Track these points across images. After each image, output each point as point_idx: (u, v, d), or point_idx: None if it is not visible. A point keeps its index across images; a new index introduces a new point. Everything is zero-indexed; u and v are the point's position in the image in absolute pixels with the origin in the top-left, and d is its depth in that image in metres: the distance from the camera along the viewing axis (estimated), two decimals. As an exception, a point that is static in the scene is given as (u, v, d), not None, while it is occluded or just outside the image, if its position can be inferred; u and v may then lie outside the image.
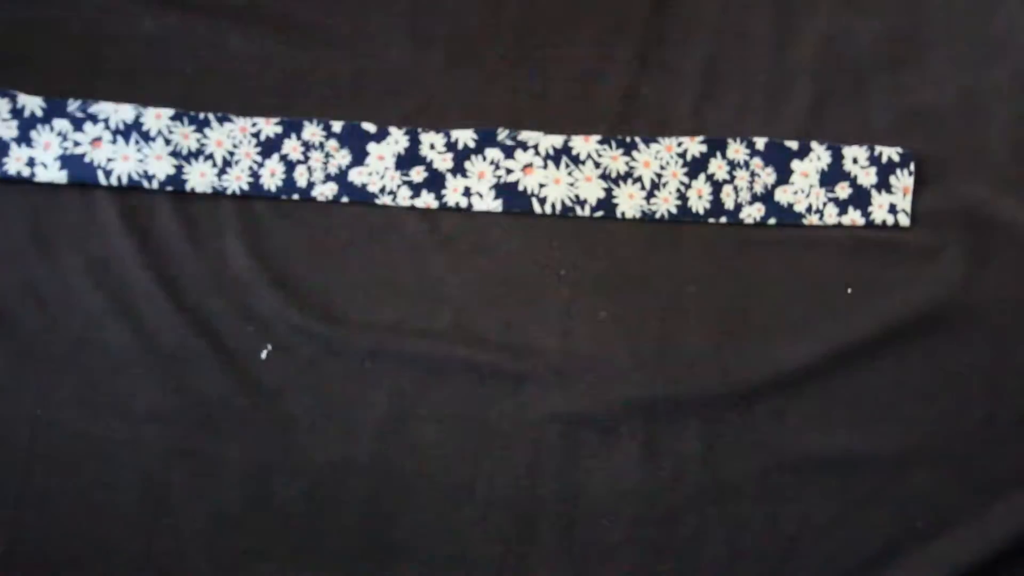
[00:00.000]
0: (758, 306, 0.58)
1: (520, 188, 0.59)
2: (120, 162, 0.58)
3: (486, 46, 0.61)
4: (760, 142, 0.60)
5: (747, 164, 0.59)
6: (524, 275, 0.58)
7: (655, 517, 0.55)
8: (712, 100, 0.60)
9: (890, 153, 0.60)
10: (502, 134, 0.59)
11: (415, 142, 0.59)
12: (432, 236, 0.58)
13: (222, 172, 0.59)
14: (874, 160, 0.60)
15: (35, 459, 0.55)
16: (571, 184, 0.59)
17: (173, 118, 0.59)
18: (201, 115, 0.59)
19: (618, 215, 0.59)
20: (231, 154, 0.59)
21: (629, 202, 0.59)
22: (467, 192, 0.59)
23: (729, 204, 0.59)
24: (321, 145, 0.59)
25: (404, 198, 0.59)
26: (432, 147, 0.59)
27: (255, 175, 0.59)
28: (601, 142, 0.59)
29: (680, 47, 0.61)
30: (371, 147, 0.59)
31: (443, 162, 0.59)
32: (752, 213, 0.59)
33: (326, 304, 0.57)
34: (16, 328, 0.57)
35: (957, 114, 0.61)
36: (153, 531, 0.55)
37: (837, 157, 0.60)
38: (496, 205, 0.59)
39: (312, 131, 0.59)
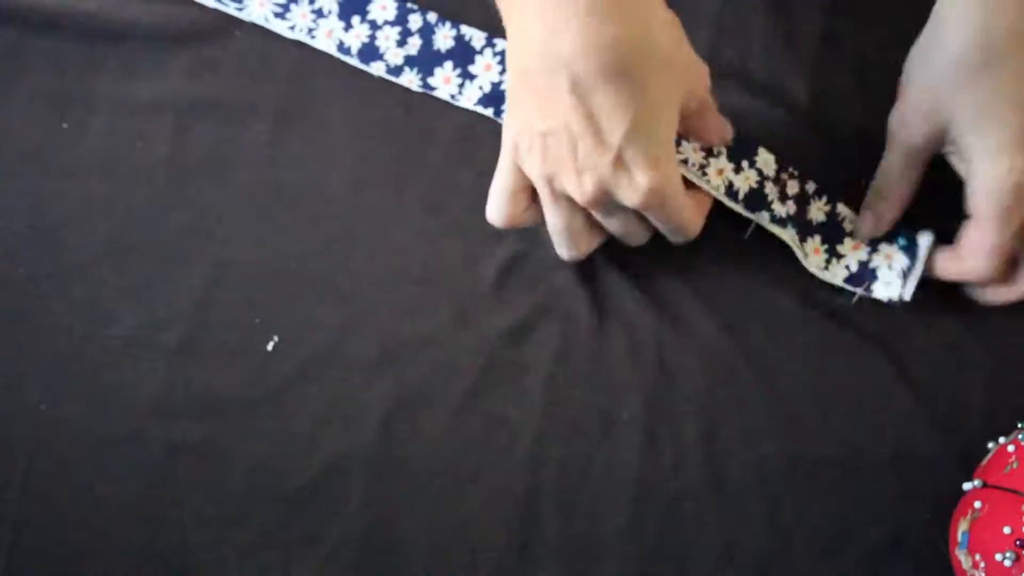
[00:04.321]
0: (757, 294, 0.58)
1: None
2: None
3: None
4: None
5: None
6: (530, 261, 0.58)
7: (655, 506, 0.55)
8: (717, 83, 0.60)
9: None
10: None
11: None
12: (441, 224, 0.59)
13: None
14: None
15: (39, 454, 0.55)
16: None
17: None
18: None
19: None
20: None
21: None
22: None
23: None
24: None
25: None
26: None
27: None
28: None
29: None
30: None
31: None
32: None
33: (333, 293, 0.58)
34: (19, 323, 0.57)
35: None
36: (158, 524, 0.55)
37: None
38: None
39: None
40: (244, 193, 0.59)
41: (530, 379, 0.57)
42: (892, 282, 0.57)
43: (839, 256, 0.58)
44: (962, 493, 0.53)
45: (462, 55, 0.57)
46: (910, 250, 0.57)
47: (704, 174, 0.55)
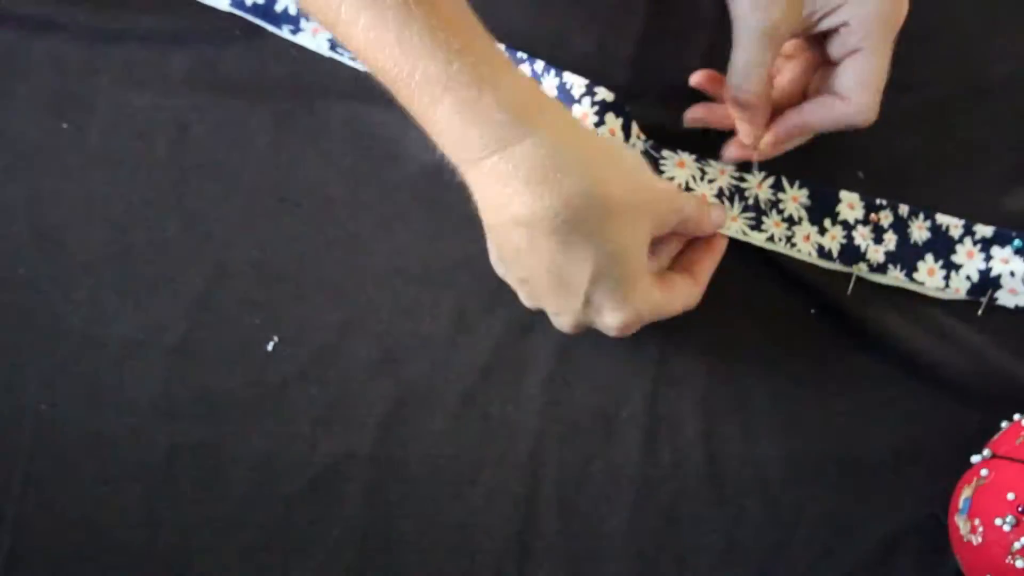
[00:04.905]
0: (758, 293, 0.58)
1: None
2: None
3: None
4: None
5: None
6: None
7: (655, 506, 0.55)
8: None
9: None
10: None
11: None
12: (440, 224, 0.58)
13: None
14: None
15: (39, 455, 0.55)
16: None
17: None
18: None
19: None
20: None
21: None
22: None
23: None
24: None
25: None
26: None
27: None
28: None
29: (681, 39, 0.61)
30: None
31: None
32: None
33: (333, 293, 0.58)
34: (19, 323, 0.57)
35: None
36: (158, 525, 0.55)
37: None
38: None
39: None
40: (244, 193, 0.59)
41: (529, 379, 0.57)
42: (1018, 289, 0.57)
43: (956, 267, 0.58)
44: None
45: (564, 101, 0.57)
46: None
47: (793, 244, 0.57)
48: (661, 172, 0.57)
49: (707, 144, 0.58)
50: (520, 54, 0.59)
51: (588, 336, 0.57)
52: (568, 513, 0.55)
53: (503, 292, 0.58)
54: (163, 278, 0.58)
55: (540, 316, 0.57)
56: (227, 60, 0.61)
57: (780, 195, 0.58)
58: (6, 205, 0.58)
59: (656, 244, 0.53)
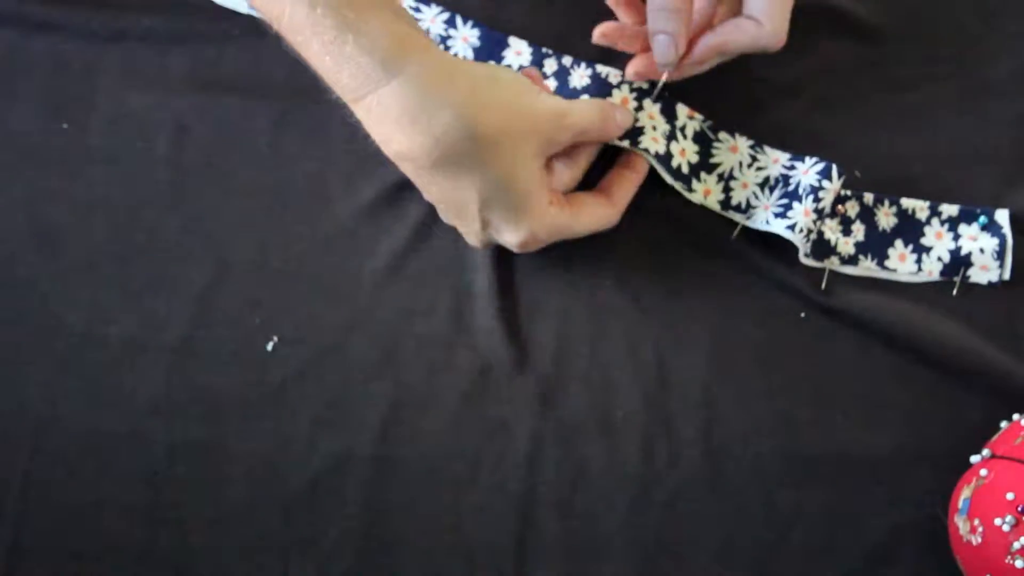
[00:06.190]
0: (756, 292, 0.58)
1: None
2: None
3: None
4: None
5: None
6: (527, 261, 0.58)
7: (653, 505, 0.55)
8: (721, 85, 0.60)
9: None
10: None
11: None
12: (439, 224, 0.58)
13: None
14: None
15: (39, 455, 0.55)
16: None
17: None
18: None
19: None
20: None
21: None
22: None
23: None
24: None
25: None
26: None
27: None
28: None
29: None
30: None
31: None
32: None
33: (333, 293, 0.58)
34: (19, 323, 0.57)
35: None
36: (157, 525, 0.55)
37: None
38: None
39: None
40: (244, 193, 0.59)
41: (527, 379, 0.57)
42: (989, 265, 0.57)
43: (927, 250, 0.58)
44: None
45: (598, 93, 0.57)
46: (993, 228, 0.58)
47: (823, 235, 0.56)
48: (711, 156, 0.57)
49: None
50: (545, 49, 0.59)
51: (587, 336, 0.57)
52: (567, 513, 0.55)
53: (501, 292, 0.58)
54: (163, 278, 0.58)
55: (539, 316, 0.58)
56: (227, 60, 0.61)
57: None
58: (6, 205, 0.58)
59: (566, 155, 0.54)
